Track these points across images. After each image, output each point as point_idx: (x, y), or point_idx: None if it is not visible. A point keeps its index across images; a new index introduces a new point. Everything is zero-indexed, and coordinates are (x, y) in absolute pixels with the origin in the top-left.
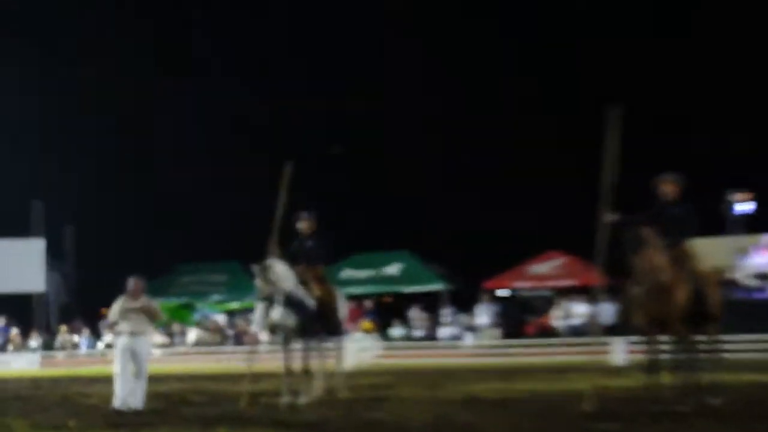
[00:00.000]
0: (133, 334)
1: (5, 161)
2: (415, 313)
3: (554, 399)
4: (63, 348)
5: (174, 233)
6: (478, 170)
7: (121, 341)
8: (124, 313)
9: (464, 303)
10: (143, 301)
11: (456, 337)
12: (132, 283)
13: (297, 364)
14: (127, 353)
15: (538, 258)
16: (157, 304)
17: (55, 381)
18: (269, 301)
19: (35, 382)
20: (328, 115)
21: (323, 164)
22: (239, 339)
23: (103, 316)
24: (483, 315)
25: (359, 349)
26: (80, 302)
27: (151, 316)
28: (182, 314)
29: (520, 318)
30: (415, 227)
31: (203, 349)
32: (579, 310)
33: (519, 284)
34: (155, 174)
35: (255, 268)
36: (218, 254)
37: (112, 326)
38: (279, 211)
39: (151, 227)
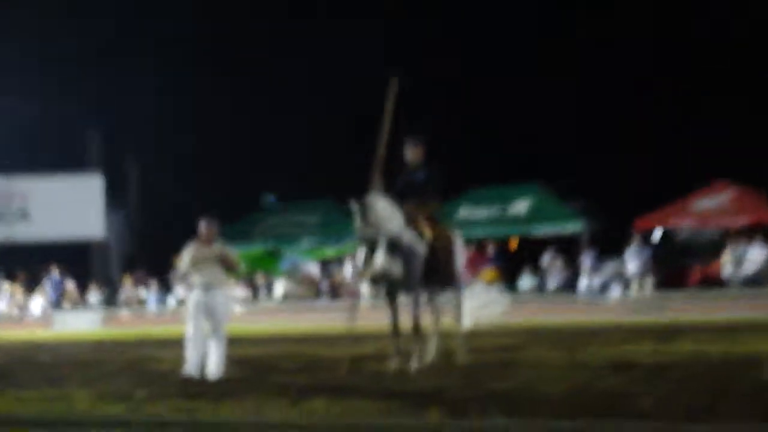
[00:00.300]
0: (207, 287)
1: (54, 81)
2: (549, 260)
3: (723, 365)
4: (128, 304)
5: (258, 167)
6: (622, 79)
7: (194, 296)
8: (196, 263)
9: (610, 247)
10: (218, 247)
11: (600, 289)
12: (204, 226)
13: (406, 322)
14: (201, 310)
15: (702, 191)
16: (235, 251)
17: (119, 343)
18: (371, 246)
19: (96, 345)
20: (444, 28)
21: (436, 81)
22: (335, 292)
23: (173, 266)
24: (633, 261)
25: (481, 304)
26: (147, 250)
27: (227, 265)
28: (267, 263)
29: (679, 264)
30: (548, 154)
31: (293, 304)
32: (753, 255)
33: (678, 222)
34: (236, 95)
35: (353, 207)
36: (310, 191)
37: (182, 278)
38: (382, 137)
39: (231, 160)
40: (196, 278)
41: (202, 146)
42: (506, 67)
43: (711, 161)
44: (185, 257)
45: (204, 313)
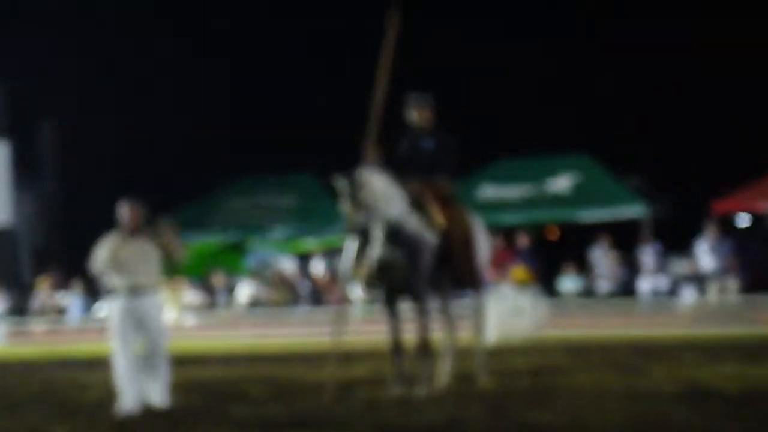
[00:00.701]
0: (134, 291)
1: None
2: (600, 254)
3: None
4: (43, 314)
5: (216, 134)
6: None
7: (117, 305)
8: (118, 260)
9: (680, 237)
10: (148, 237)
11: (666, 292)
12: (126, 211)
13: (410, 336)
14: (129, 323)
15: None
16: (176, 237)
17: (30, 365)
18: (363, 236)
19: (1, 367)
20: None
21: (446, 19)
22: (318, 297)
23: None
24: (710, 256)
25: (510, 312)
26: (68, 242)
27: (167, 252)
28: (229, 259)
29: None
30: (600, 117)
31: (262, 313)
32: None
33: None
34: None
35: (339, 184)
36: (283, 164)
37: (101, 279)
38: (378, 93)
39: (182, 126)
40: (118, 280)
41: (142, 111)
42: None
43: None
44: (101, 253)
45: (133, 327)
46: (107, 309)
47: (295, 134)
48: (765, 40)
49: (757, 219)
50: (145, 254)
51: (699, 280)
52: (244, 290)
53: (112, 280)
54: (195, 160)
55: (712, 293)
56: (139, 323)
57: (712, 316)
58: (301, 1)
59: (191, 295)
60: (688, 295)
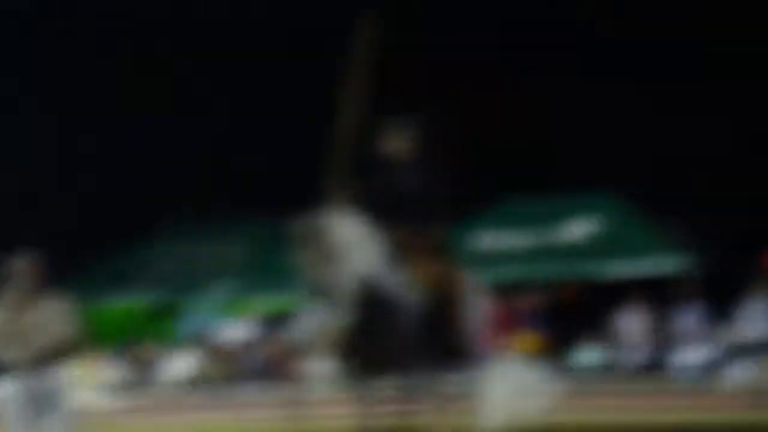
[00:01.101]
0: (32, 368)
1: None
2: (629, 320)
3: None
4: None
5: (149, 170)
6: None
7: (14, 383)
8: (9, 330)
9: (725, 299)
10: (51, 302)
11: (709, 367)
12: (22, 266)
13: (388, 421)
14: (29, 409)
15: None
16: (67, 310)
17: None
18: (327, 296)
19: None
20: None
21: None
22: (271, 372)
23: None
24: (760, 322)
25: (514, 391)
26: None
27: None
28: (159, 325)
29: None
30: (628, 149)
31: (202, 392)
32: None
33: None
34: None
35: (298, 230)
36: (226, 205)
37: None
38: (348, 116)
39: (101, 156)
40: (14, 354)
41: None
42: None
43: None
44: None
45: (34, 414)
46: (1, 390)
47: (242, 170)
48: None
49: None
50: (48, 321)
51: (748, 351)
52: (178, 363)
53: (6, 353)
54: (113, 203)
55: (763, 368)
56: (40, 408)
57: (761, 396)
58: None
59: (111, 370)
60: (736, 371)
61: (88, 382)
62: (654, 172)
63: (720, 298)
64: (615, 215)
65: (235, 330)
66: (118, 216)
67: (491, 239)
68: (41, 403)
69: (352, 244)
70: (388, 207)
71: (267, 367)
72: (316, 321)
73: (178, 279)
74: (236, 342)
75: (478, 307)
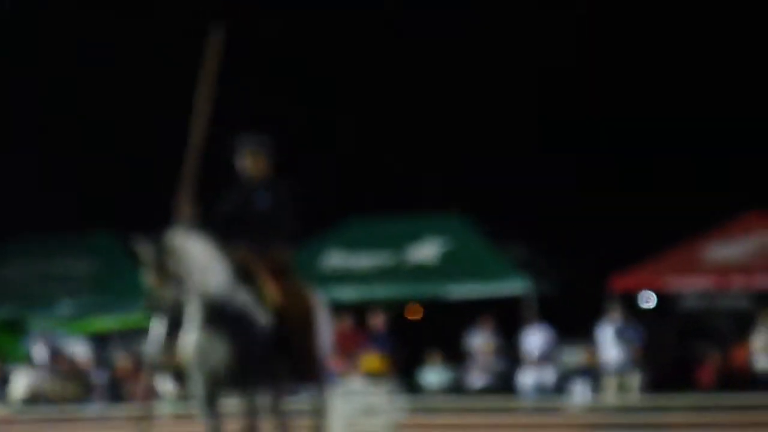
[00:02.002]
0: None
1: None
2: (477, 340)
3: None
4: None
5: None
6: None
7: None
8: None
9: (571, 320)
10: None
11: (553, 389)
12: None
13: None
14: None
15: (721, 230)
16: None
17: None
18: (174, 314)
19: None
20: None
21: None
22: (117, 391)
23: None
24: (610, 346)
25: (360, 411)
26: None
27: None
28: (2, 341)
29: (685, 350)
30: (475, 168)
31: (45, 409)
32: None
33: (683, 282)
34: None
35: (144, 249)
36: (72, 219)
37: None
38: (196, 132)
39: None
40: None
41: None
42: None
43: (737, 185)
44: None
45: None
46: None
47: (91, 183)
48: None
49: (665, 298)
50: None
51: (595, 373)
52: (22, 380)
53: None
54: None
55: (610, 390)
56: None
57: (608, 418)
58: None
59: None
60: (582, 392)
61: None
62: (503, 198)
63: (567, 319)
64: (460, 237)
65: (81, 347)
66: None
67: (339, 259)
68: None
69: (201, 262)
70: (237, 225)
71: (113, 384)
72: (161, 338)
73: (24, 295)
74: (82, 358)
75: (326, 327)
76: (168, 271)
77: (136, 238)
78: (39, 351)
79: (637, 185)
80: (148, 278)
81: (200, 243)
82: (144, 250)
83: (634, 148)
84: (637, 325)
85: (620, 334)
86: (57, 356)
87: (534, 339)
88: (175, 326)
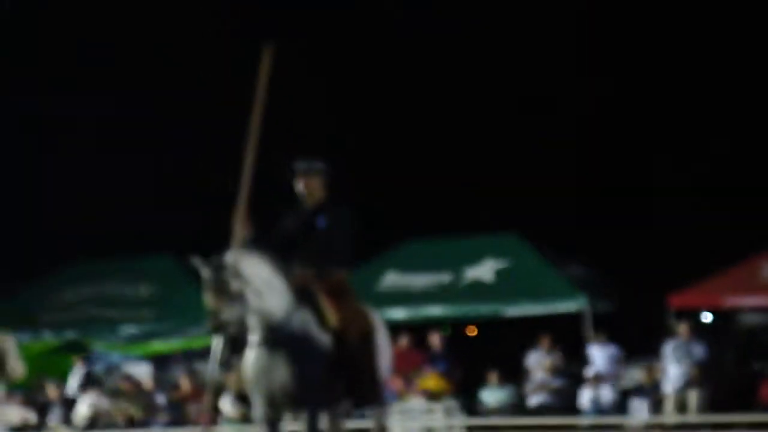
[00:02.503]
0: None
1: None
2: (535, 359)
3: None
4: None
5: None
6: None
7: None
8: None
9: (629, 339)
10: None
11: (612, 407)
12: None
13: None
14: None
15: None
16: (13, 342)
17: None
18: (235, 336)
19: None
20: None
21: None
22: (179, 414)
23: None
24: (673, 363)
25: (420, 431)
26: None
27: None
28: (63, 363)
29: (744, 369)
30: (532, 191)
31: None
32: None
33: (741, 300)
34: None
35: (204, 270)
36: (132, 244)
37: None
38: (250, 151)
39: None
40: None
41: None
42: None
43: None
44: None
45: None
46: None
47: (149, 206)
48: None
49: (721, 316)
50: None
51: (654, 391)
52: (84, 404)
53: None
54: (24, 237)
55: (669, 407)
56: None
57: None
58: None
59: (12, 412)
60: (641, 410)
61: None
62: (559, 217)
63: (627, 337)
64: (519, 254)
65: (143, 369)
66: (24, 254)
67: (397, 279)
68: None
69: (262, 284)
70: (294, 247)
71: (174, 406)
72: (223, 360)
73: (83, 318)
74: (144, 381)
75: (385, 348)
76: (229, 291)
77: (196, 259)
78: (101, 373)
79: (694, 203)
80: (209, 299)
81: (260, 264)
82: (205, 270)
83: (690, 166)
84: (702, 342)
85: (686, 352)
86: (119, 378)
87: (594, 357)
88: (236, 347)
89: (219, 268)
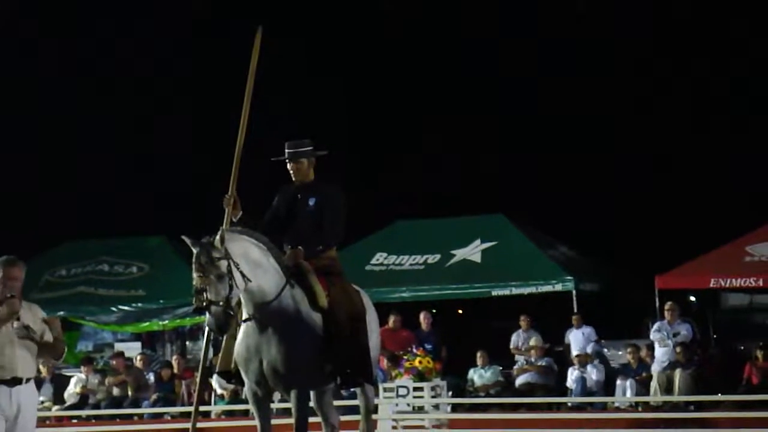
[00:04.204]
0: (13, 381)
1: None
2: (522, 339)
3: None
4: None
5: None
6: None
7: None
8: None
9: (616, 319)
10: (32, 312)
11: (599, 387)
12: (14, 271)
13: None
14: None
15: (764, 229)
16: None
17: None
18: (225, 315)
19: None
20: None
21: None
22: (168, 389)
23: None
24: (659, 343)
25: (408, 409)
26: None
27: (50, 347)
28: None
29: (727, 350)
30: (520, 171)
31: (97, 410)
32: None
33: (726, 281)
34: None
35: (195, 249)
36: (125, 224)
37: None
38: (242, 131)
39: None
40: None
41: None
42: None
43: None
44: None
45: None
46: None
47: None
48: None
49: (706, 297)
50: (24, 333)
51: (639, 371)
52: (74, 381)
53: None
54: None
55: (654, 387)
56: (12, 424)
57: (654, 416)
58: None
59: None
60: (625, 389)
61: None
62: (547, 198)
63: (613, 318)
64: (507, 235)
65: (134, 346)
66: (15, 233)
67: (385, 260)
68: (13, 422)
69: (252, 263)
70: (284, 227)
71: (162, 384)
72: (213, 338)
73: (72, 297)
74: (136, 359)
75: (374, 327)
76: (216, 271)
77: (188, 238)
78: (93, 353)
79: (679, 185)
80: (201, 279)
81: (251, 244)
82: (196, 251)
83: (672, 151)
84: (688, 322)
85: (672, 332)
86: (111, 357)
87: (580, 337)
88: (226, 326)
89: (208, 248)
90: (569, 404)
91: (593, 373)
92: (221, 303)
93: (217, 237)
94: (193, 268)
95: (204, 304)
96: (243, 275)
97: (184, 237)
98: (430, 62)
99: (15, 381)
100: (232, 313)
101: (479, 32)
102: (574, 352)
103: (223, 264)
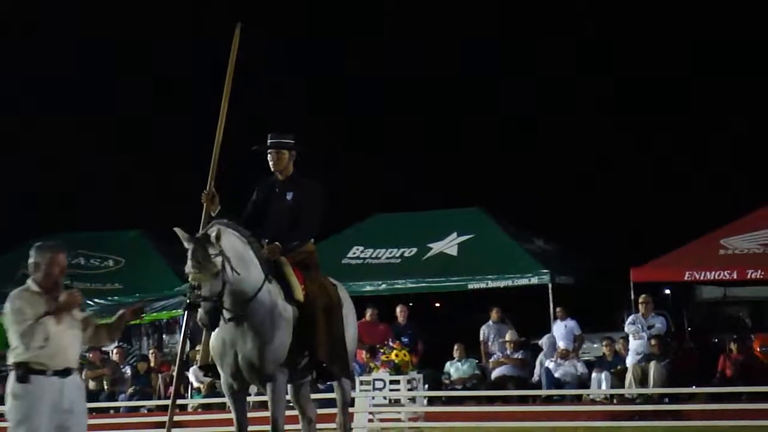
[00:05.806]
0: (64, 373)
1: None
2: (493, 330)
3: None
4: None
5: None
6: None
7: (41, 391)
8: (47, 327)
9: (592, 312)
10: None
11: (574, 380)
12: (48, 257)
13: (257, 431)
14: (57, 422)
15: (742, 220)
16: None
17: None
18: (207, 308)
19: None
20: None
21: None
22: (145, 382)
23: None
24: (634, 336)
25: (384, 402)
26: None
27: (102, 335)
28: None
29: (701, 343)
30: (497, 167)
31: None
32: None
33: (701, 274)
34: None
35: (186, 241)
36: (103, 219)
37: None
38: (220, 127)
39: None
40: (44, 357)
41: None
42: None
43: (755, 178)
44: (28, 310)
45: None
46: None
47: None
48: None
49: (680, 290)
50: (72, 324)
51: (613, 363)
52: None
53: (39, 353)
54: None
55: (629, 379)
56: (65, 419)
57: (629, 408)
58: None
59: None
60: (600, 381)
61: None
62: (523, 192)
63: (589, 311)
64: (483, 228)
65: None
66: None
67: (362, 253)
68: (66, 417)
69: (237, 258)
70: (266, 220)
71: (138, 377)
72: (192, 331)
73: None
74: (112, 352)
75: (351, 321)
76: (216, 269)
77: (180, 231)
78: None
79: (655, 179)
80: (193, 273)
81: (236, 238)
82: (192, 247)
83: (652, 145)
84: (663, 315)
85: (646, 325)
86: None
87: (563, 330)
88: (218, 322)
89: (204, 244)
90: (543, 396)
91: (571, 366)
92: (215, 299)
93: (213, 233)
94: (189, 264)
95: (198, 300)
96: (233, 270)
97: (176, 230)
98: (425, 60)
99: (66, 372)
100: (216, 305)
101: (479, 32)
102: (559, 344)
103: (218, 260)
